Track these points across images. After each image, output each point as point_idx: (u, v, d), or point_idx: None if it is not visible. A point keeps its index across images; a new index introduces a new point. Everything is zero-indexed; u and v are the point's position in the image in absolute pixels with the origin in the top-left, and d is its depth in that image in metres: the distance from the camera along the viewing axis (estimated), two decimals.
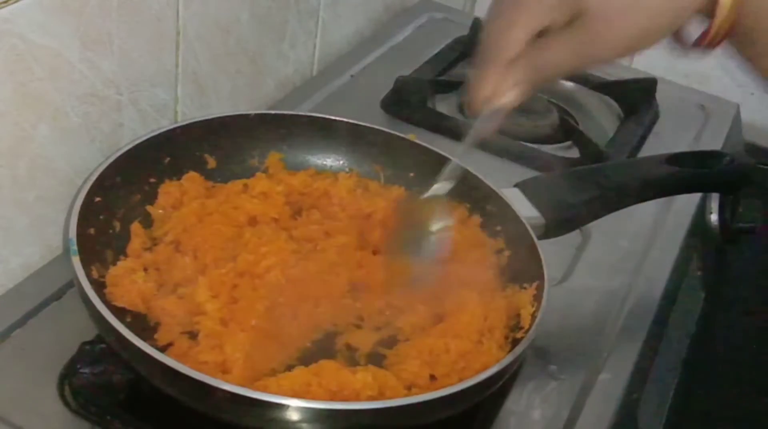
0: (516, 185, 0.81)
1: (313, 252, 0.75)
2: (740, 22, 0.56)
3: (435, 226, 0.69)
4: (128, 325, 0.61)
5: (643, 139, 1.09)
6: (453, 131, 1.02)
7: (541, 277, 0.71)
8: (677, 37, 0.60)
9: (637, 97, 1.15)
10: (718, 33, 0.56)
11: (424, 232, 0.69)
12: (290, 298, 0.70)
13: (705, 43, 0.58)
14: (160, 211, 0.76)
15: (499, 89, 0.60)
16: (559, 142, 1.07)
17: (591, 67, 0.58)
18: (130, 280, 0.69)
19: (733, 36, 0.57)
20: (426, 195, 0.69)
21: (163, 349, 0.65)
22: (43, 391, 0.67)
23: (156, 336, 0.67)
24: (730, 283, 1.13)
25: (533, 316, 0.69)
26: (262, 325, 0.67)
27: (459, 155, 0.68)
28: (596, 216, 0.81)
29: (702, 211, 1.02)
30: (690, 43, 0.59)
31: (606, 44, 0.57)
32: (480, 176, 0.81)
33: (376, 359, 0.69)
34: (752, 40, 0.57)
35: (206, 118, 0.82)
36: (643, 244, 0.93)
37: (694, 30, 0.59)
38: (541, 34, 0.58)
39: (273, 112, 0.88)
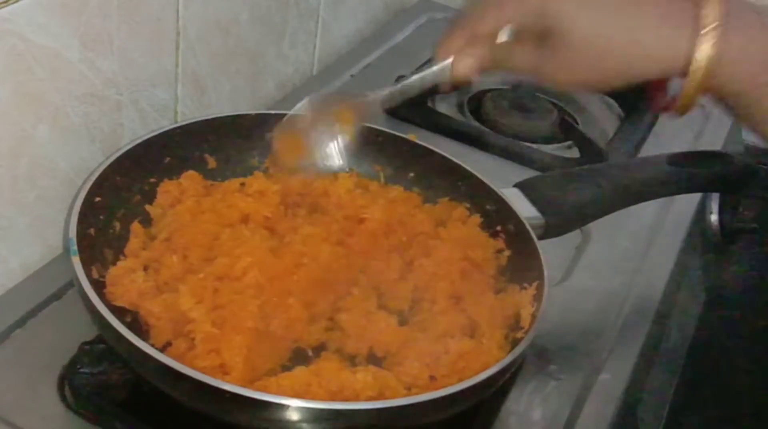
0: (516, 185, 0.81)
1: (282, 246, 0.74)
2: (714, 86, 0.56)
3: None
4: (128, 325, 0.61)
5: (643, 139, 1.10)
6: (453, 131, 1.03)
7: (541, 277, 0.71)
8: (652, 99, 0.62)
9: (637, 97, 1.15)
10: (688, 98, 0.58)
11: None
12: (272, 295, 0.69)
13: (677, 105, 0.59)
14: (159, 210, 0.76)
15: (459, 51, 0.64)
16: (559, 142, 1.07)
17: (541, 84, 0.64)
18: (129, 280, 0.69)
19: (712, 97, 0.58)
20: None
21: (161, 350, 0.65)
22: (43, 391, 0.67)
23: (150, 341, 0.66)
24: (730, 283, 1.13)
25: (533, 316, 0.69)
26: (257, 325, 0.66)
27: (403, 83, 0.69)
28: (596, 216, 0.81)
29: (702, 211, 1.02)
30: (663, 102, 0.61)
31: (556, 72, 0.60)
32: (480, 176, 0.80)
33: (375, 360, 0.69)
34: (734, 104, 0.58)
35: (206, 118, 0.82)
36: (643, 244, 0.93)
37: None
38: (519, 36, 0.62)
39: (273, 112, 0.87)
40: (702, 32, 0.55)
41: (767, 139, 0.58)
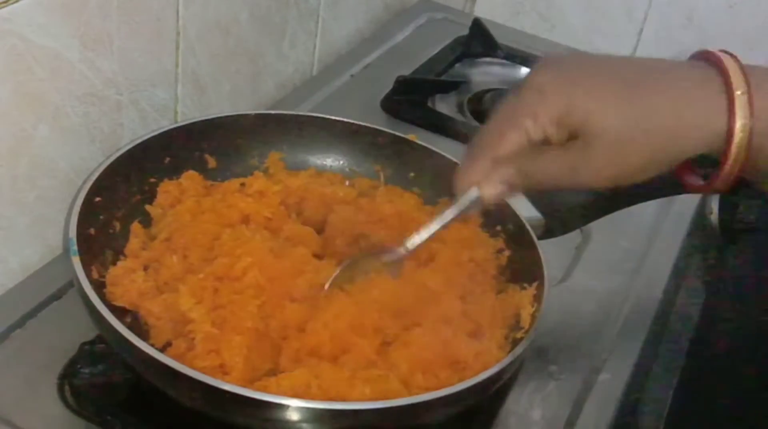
0: None
1: (282, 247, 0.73)
2: (755, 156, 0.54)
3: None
4: (128, 325, 0.61)
5: None
6: (453, 131, 1.03)
7: (541, 277, 0.71)
8: (682, 177, 0.59)
9: None
10: (730, 173, 0.55)
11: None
12: (272, 297, 0.69)
13: (716, 184, 0.56)
14: (159, 210, 0.76)
15: (485, 179, 0.60)
16: None
17: (578, 189, 0.60)
18: (129, 280, 0.69)
19: (745, 172, 0.55)
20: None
21: (161, 350, 0.65)
22: (43, 391, 0.67)
23: (150, 341, 0.66)
24: (730, 283, 1.13)
25: (533, 316, 0.69)
26: (257, 325, 0.66)
27: (433, 227, 0.67)
28: (596, 216, 0.81)
29: (702, 211, 1.02)
30: (697, 183, 0.58)
31: (594, 172, 0.57)
32: None
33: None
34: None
35: (206, 118, 0.82)
36: (643, 244, 0.93)
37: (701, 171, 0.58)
38: (544, 142, 0.58)
39: (273, 112, 0.88)
40: (736, 100, 0.52)
41: None
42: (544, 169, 0.58)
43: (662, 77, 0.56)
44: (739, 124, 0.53)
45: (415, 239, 0.68)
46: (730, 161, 0.54)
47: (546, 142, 0.58)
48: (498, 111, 0.60)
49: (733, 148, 0.53)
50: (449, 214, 0.65)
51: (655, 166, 0.56)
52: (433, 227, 0.67)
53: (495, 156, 0.59)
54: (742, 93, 0.52)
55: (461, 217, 0.65)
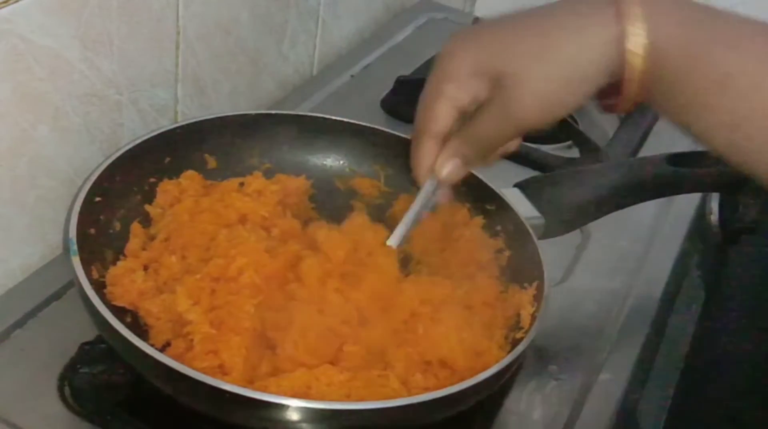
0: (516, 185, 0.81)
1: (278, 246, 0.73)
2: (653, 85, 0.56)
3: None
4: (128, 325, 0.61)
5: (643, 139, 1.10)
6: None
7: (541, 277, 0.71)
8: (601, 101, 0.61)
9: None
10: (630, 93, 0.57)
11: None
12: (269, 297, 0.68)
13: (618, 107, 0.59)
14: (159, 210, 0.76)
15: (438, 161, 0.63)
16: (559, 142, 1.07)
17: (518, 133, 0.63)
18: (129, 280, 0.69)
19: (649, 99, 0.57)
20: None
21: (160, 350, 0.64)
22: (43, 391, 0.67)
23: (150, 341, 0.66)
24: (730, 283, 1.13)
25: (533, 316, 0.69)
26: (255, 325, 0.66)
27: (404, 223, 0.69)
28: (596, 216, 0.81)
29: (702, 211, 1.02)
30: (610, 103, 0.60)
31: (522, 111, 0.59)
32: (480, 176, 0.80)
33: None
34: (668, 97, 0.57)
35: (206, 118, 0.82)
36: (643, 244, 0.93)
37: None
38: (476, 106, 0.60)
39: (273, 112, 0.88)
40: (628, 25, 0.54)
41: (701, 134, 0.57)
42: (484, 127, 0.60)
43: (559, 14, 0.58)
44: (632, 47, 0.54)
45: (391, 240, 0.70)
46: (629, 83, 0.56)
47: (478, 105, 0.60)
48: (423, 91, 0.62)
49: (631, 72, 0.55)
50: (415, 206, 0.68)
51: (574, 94, 0.58)
52: (405, 222, 0.69)
53: (435, 134, 0.62)
54: (636, 17, 0.54)
55: (432, 206, 0.68)
